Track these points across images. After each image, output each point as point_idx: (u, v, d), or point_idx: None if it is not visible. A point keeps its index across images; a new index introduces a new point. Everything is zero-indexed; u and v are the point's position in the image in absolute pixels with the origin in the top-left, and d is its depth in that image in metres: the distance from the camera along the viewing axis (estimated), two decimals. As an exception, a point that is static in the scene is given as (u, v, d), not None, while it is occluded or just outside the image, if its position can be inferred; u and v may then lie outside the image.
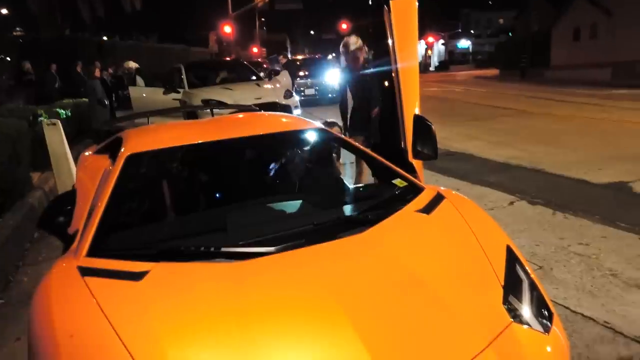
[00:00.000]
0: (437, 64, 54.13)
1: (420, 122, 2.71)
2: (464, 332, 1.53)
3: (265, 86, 9.06)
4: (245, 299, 1.57)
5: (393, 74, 2.96)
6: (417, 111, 2.84)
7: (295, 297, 1.59)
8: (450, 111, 13.12)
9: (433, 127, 2.67)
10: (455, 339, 1.51)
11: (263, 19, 47.44)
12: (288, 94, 8.85)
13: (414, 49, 3.05)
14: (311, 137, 2.79)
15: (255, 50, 38.18)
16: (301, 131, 2.77)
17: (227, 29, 26.22)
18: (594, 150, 6.66)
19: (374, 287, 1.66)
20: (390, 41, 3.00)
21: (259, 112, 3.48)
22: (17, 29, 22.81)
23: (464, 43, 61.84)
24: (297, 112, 8.98)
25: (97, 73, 9.45)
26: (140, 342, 1.40)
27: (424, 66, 53.23)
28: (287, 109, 8.47)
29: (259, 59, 23.80)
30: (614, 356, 2.29)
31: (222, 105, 7.80)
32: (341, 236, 1.89)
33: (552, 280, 3.05)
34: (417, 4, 3.06)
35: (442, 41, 57.92)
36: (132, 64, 11.22)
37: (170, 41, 25.77)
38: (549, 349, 1.60)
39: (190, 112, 7.66)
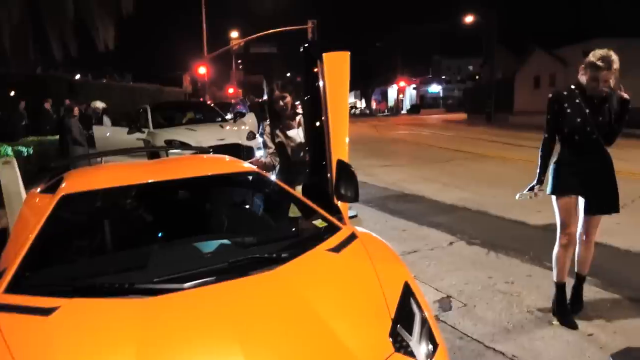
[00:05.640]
0: (408, 107, 55.79)
1: (344, 168, 2.92)
2: (348, 360, 1.68)
3: (229, 128, 9.28)
4: (150, 332, 1.69)
5: (323, 120, 3.17)
6: (346, 156, 3.05)
7: (196, 329, 1.72)
8: (414, 154, 13.59)
9: (355, 172, 2.88)
10: (338, 368, 1.66)
11: (240, 61, 48.20)
12: (251, 136, 9.05)
13: (344, 98, 3.28)
14: (243, 179, 2.96)
15: (231, 91, 38.78)
16: (233, 174, 2.95)
17: (202, 69, 26.70)
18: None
19: (272, 320, 1.80)
20: (321, 91, 3.24)
21: (201, 155, 3.65)
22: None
23: (435, 88, 64.12)
24: (259, 153, 9.18)
25: (76, 112, 9.46)
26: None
27: (396, 109, 54.77)
28: (249, 150, 8.67)
29: (232, 100, 24.21)
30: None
31: (184, 146, 7.98)
32: (251, 273, 2.03)
33: (472, 316, 3.23)
34: (349, 57, 3.31)
35: (413, 85, 59.91)
36: (99, 104, 11.35)
37: (145, 81, 26.02)
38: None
39: (153, 152, 7.78)
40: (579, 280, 3.26)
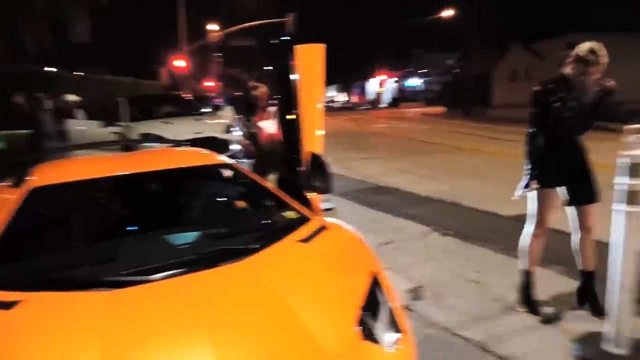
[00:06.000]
0: (390, 100, 55.99)
1: (316, 160, 2.94)
2: (314, 349, 1.71)
3: (206, 121, 9.21)
4: (115, 324, 1.69)
5: (296, 112, 3.19)
6: (320, 148, 3.07)
7: (164, 321, 1.73)
8: (391, 146, 13.69)
9: (328, 164, 2.91)
10: (304, 356, 1.69)
11: (219, 54, 47.69)
12: (228, 129, 9.02)
13: (318, 91, 3.30)
14: (214, 171, 2.97)
15: (210, 84, 38.32)
16: (205, 166, 2.96)
17: (180, 63, 26.33)
18: (510, 185, 7.11)
19: (241, 310, 1.82)
20: (295, 83, 3.25)
21: (173, 148, 3.64)
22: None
23: (415, 81, 64.35)
24: (236, 147, 9.14)
25: (49, 105, 9.22)
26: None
27: (377, 103, 54.91)
28: (226, 143, 8.62)
29: (211, 93, 24.02)
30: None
31: (160, 139, 7.89)
32: (220, 264, 2.05)
33: (443, 305, 3.31)
34: (323, 49, 3.32)
35: (394, 79, 60.11)
36: (73, 97, 11.09)
37: (124, 74, 25.56)
38: (392, 363, 1.81)
39: (127, 146, 7.68)
40: (589, 278, 3.09)
